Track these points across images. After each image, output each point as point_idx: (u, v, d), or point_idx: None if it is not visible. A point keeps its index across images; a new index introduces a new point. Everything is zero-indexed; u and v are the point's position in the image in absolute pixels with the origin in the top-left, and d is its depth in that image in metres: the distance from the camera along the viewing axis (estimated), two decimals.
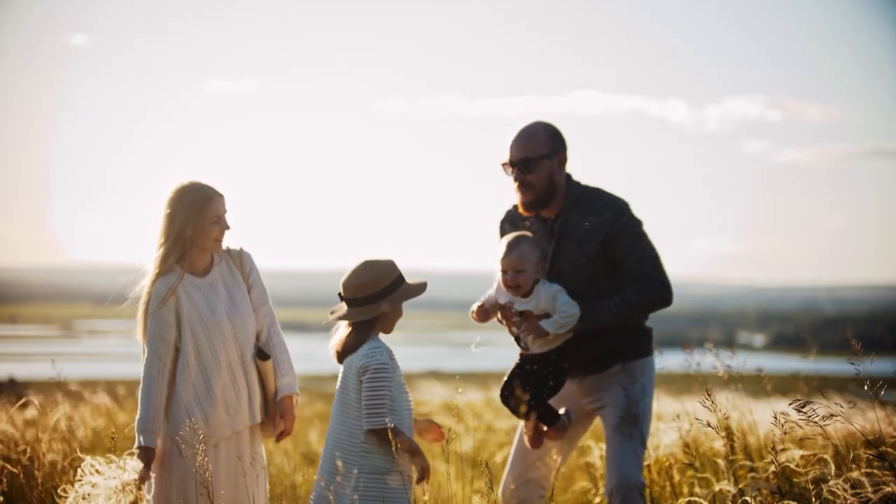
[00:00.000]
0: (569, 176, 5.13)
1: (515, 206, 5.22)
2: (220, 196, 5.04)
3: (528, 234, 5.01)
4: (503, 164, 5.11)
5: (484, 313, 5.06)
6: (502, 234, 5.23)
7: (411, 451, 4.57)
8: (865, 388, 4.60)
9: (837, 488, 4.73)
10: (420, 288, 4.73)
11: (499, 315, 5.07)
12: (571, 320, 4.87)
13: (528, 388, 4.99)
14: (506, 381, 5.08)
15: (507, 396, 5.08)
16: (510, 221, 5.24)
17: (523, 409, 5.01)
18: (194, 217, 4.97)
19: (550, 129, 5.10)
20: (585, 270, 4.99)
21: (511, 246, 4.94)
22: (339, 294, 4.74)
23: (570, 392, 5.16)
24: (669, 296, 5.01)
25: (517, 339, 5.03)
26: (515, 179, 5.09)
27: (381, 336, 4.72)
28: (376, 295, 4.66)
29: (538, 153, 5.05)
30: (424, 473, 4.55)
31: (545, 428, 5.05)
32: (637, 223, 5.03)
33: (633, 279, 4.97)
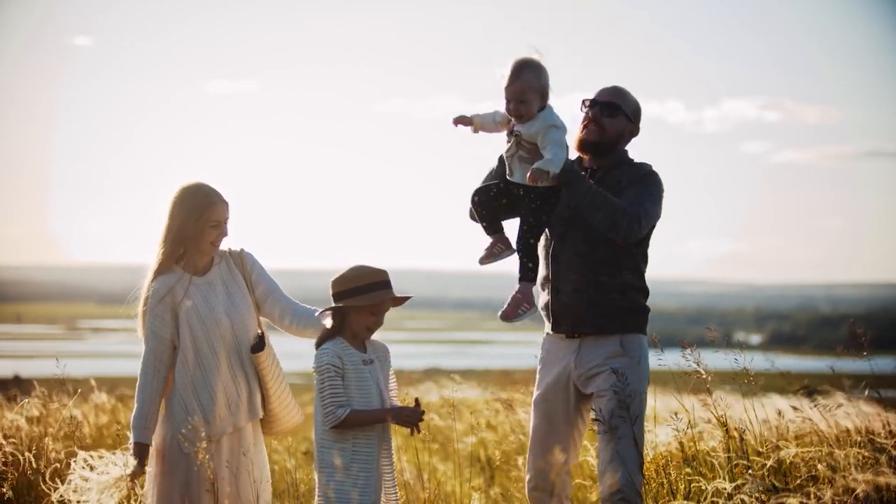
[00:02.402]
0: (625, 149, 5.22)
1: None
2: (224, 202, 5.09)
3: (533, 58, 4.91)
4: (584, 100, 5.17)
5: (465, 120, 5.00)
6: None
7: (378, 418, 4.76)
8: (862, 385, 4.65)
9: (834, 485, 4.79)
10: (380, 296, 4.77)
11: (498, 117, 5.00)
12: (563, 156, 4.83)
13: (522, 223, 4.95)
14: (483, 188, 5.03)
15: (480, 204, 5.00)
16: None
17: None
18: (194, 219, 5.02)
19: (637, 103, 5.23)
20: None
21: (515, 74, 4.85)
22: None
23: (562, 353, 5.15)
24: (637, 227, 4.94)
25: (506, 162, 4.99)
26: (590, 115, 5.13)
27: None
28: (340, 294, 4.79)
29: (624, 108, 5.14)
30: (413, 418, 4.78)
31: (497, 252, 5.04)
32: (659, 185, 5.10)
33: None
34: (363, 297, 4.78)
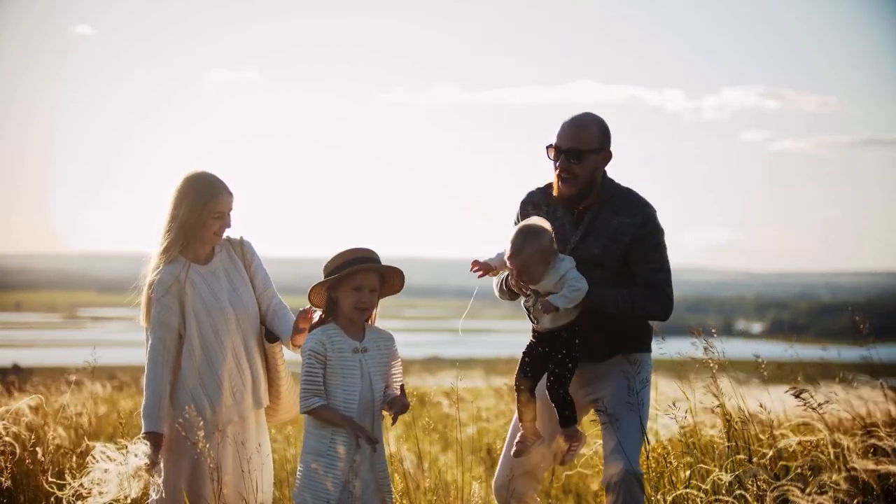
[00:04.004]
0: (604, 172, 5.08)
1: (540, 189, 5.15)
2: (229, 193, 5.06)
3: (534, 225, 4.87)
4: (548, 147, 5.02)
5: (485, 267, 5.02)
6: (523, 216, 5.12)
7: (339, 423, 4.67)
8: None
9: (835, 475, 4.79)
10: (352, 268, 4.70)
11: (510, 281, 5.00)
12: (579, 294, 4.82)
13: (548, 374, 4.93)
14: (520, 367, 5.00)
15: (521, 383, 4.97)
16: (534, 205, 5.13)
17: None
18: (198, 208, 5.00)
19: (602, 125, 5.02)
20: (605, 266, 4.96)
21: (517, 248, 4.83)
22: None
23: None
24: (670, 310, 5.02)
25: (528, 311, 4.98)
26: (560, 166, 5.00)
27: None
28: (327, 275, 4.76)
29: (588, 146, 4.97)
30: (359, 437, 4.67)
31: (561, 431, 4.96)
32: (661, 232, 5.02)
33: (643, 285, 4.97)
34: (345, 272, 4.71)
